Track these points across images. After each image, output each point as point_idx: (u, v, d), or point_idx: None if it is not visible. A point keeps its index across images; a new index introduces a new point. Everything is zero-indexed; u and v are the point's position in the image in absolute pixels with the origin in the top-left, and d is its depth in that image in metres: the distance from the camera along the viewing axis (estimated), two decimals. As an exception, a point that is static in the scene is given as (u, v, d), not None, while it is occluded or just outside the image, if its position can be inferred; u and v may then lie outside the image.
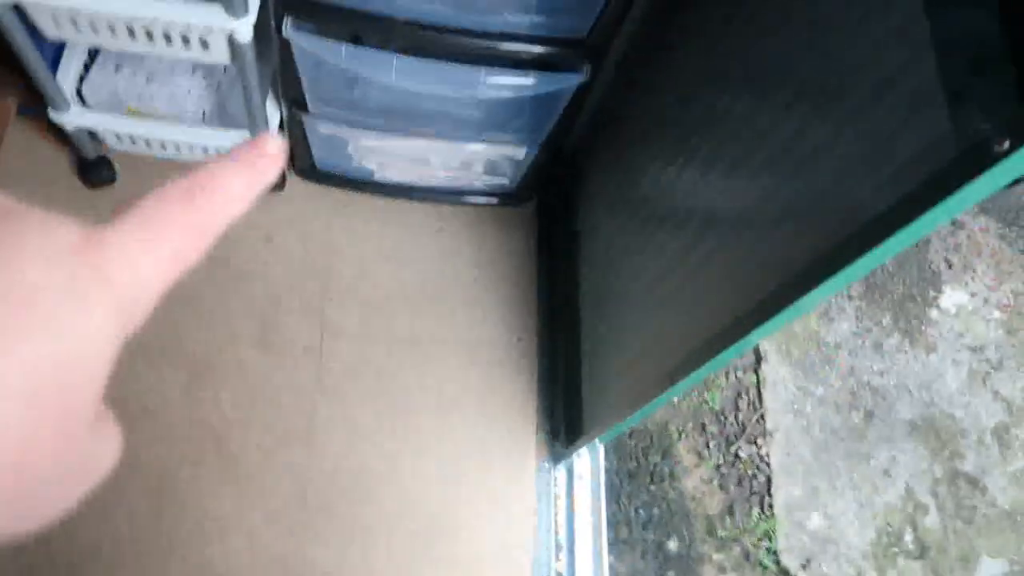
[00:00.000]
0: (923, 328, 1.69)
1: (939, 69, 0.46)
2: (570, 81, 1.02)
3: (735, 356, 0.91)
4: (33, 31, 0.99)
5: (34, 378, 0.17)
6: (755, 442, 1.58)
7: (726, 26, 0.84)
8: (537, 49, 0.98)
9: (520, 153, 1.25)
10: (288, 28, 0.94)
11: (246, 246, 1.32)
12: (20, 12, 0.95)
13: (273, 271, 1.32)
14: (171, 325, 1.23)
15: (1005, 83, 0.41)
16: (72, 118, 1.15)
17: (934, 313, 1.77)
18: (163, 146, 1.25)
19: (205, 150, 1.25)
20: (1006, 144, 0.41)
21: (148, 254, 0.20)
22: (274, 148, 0.24)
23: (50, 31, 0.98)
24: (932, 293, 1.78)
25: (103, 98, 1.17)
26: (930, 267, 1.81)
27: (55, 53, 1.14)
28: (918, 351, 1.64)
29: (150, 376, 1.19)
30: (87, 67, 1.18)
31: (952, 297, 1.74)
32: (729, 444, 1.58)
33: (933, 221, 0.45)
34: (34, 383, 0.17)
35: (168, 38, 0.97)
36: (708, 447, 1.58)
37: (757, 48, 0.77)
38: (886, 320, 1.70)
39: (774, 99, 0.71)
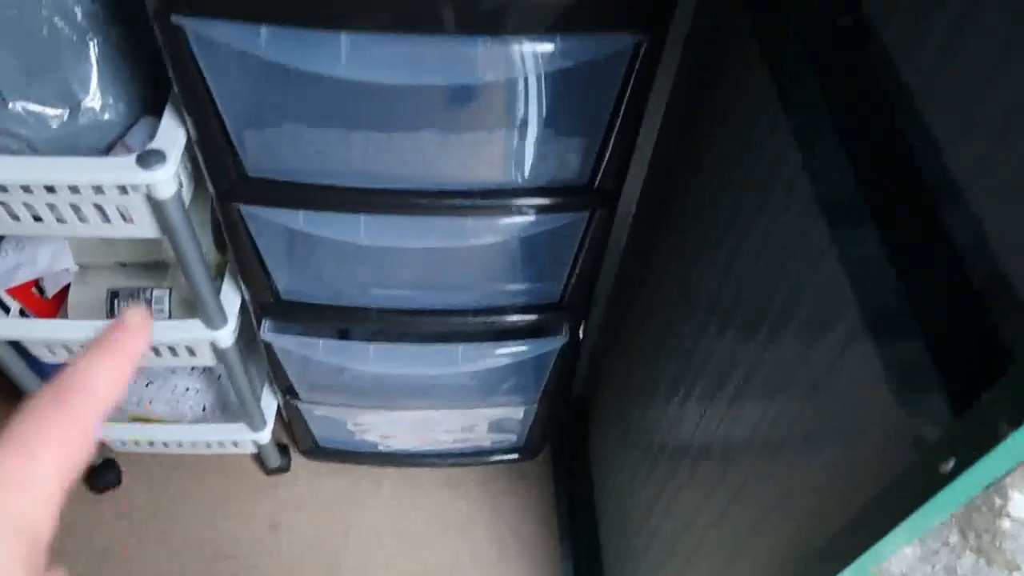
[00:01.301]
0: (998, 544, 1.52)
1: (885, 375, 0.42)
2: (551, 345, 1.01)
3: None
4: (32, 360, 1.03)
5: None
6: None
7: (696, 261, 0.84)
8: (514, 319, 0.98)
9: (519, 412, 1.22)
10: (266, 331, 0.96)
11: (251, 537, 1.27)
12: (17, 346, 0.99)
13: (280, 562, 1.26)
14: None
15: (937, 394, 0.37)
16: (73, 431, 1.16)
17: (1006, 524, 1.59)
18: (166, 444, 1.25)
19: (208, 445, 1.24)
20: (949, 464, 0.36)
21: (34, 471, 0.20)
22: (135, 320, 0.24)
23: (46, 358, 1.02)
24: (998, 501, 1.62)
25: (105, 407, 1.19)
26: (991, 470, 1.66)
27: (60, 370, 1.18)
28: (998, 573, 1.46)
29: None
30: (92, 377, 1.22)
31: (1022, 503, 1.57)
32: None
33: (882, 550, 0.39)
34: None
35: (156, 350, 1.00)
36: None
37: (727, 287, 0.76)
38: (953, 538, 1.53)
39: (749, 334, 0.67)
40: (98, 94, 0.80)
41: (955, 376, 0.36)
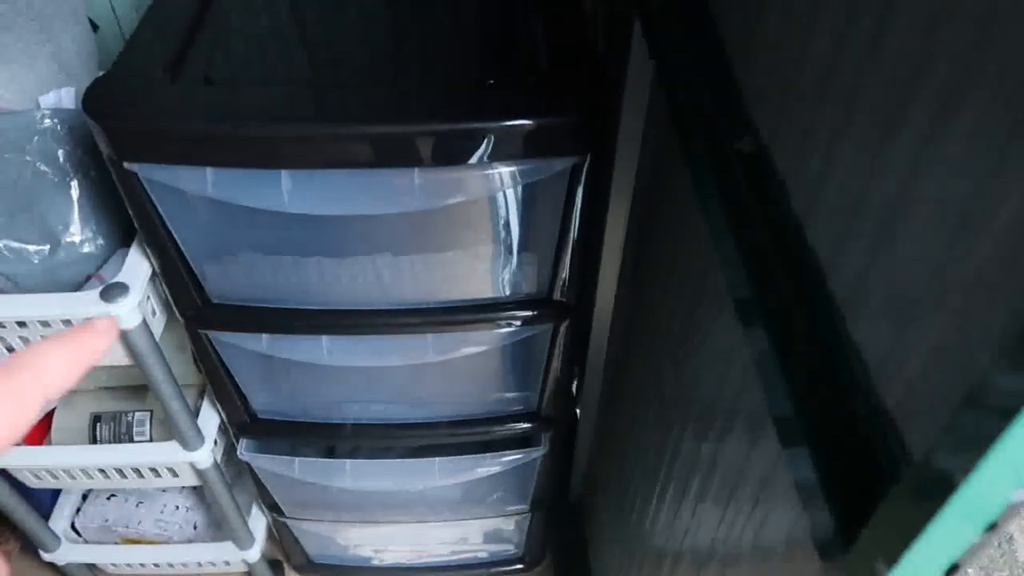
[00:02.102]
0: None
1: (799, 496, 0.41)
2: (531, 456, 0.99)
3: None
4: (17, 484, 1.04)
5: None
6: None
7: (661, 367, 0.83)
8: (490, 430, 0.97)
9: (511, 522, 1.19)
10: (243, 450, 0.96)
11: (242, 661, 1.24)
12: (2, 471, 1.01)
13: None
14: None
15: (832, 527, 0.36)
16: (62, 555, 1.16)
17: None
18: (157, 566, 1.24)
19: (199, 564, 1.23)
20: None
21: None
22: (102, 325, 0.26)
23: (32, 483, 1.03)
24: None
25: (95, 529, 1.19)
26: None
27: (52, 494, 1.19)
28: None
29: None
30: (85, 498, 1.23)
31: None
32: None
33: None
34: None
35: (139, 472, 1.01)
36: None
37: (685, 394, 0.75)
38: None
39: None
40: (78, 230, 0.84)
41: (844, 507, 0.36)
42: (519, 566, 1.34)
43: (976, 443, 0.25)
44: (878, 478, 0.35)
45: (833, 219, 0.40)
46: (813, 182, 0.42)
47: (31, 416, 0.23)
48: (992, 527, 0.29)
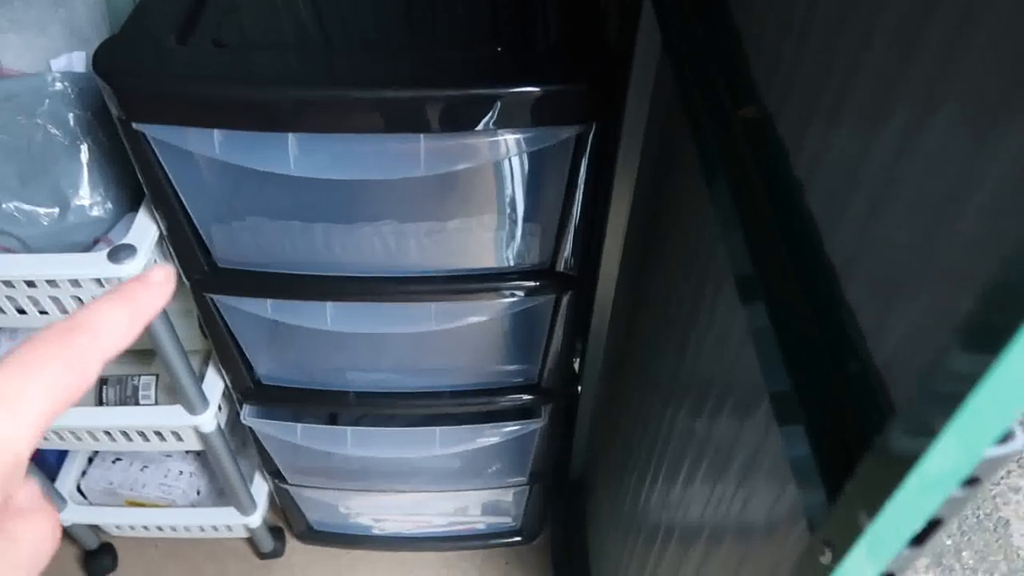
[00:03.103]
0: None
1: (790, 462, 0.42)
2: (530, 428, 1.01)
3: None
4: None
5: None
6: None
7: (659, 343, 0.84)
8: (491, 401, 0.98)
9: (509, 495, 1.21)
10: (246, 416, 0.98)
11: (243, 624, 1.26)
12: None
13: (270, 650, 1.24)
14: None
15: (816, 483, 0.37)
16: (68, 516, 1.18)
17: None
18: (160, 529, 1.26)
19: (202, 529, 1.25)
20: (828, 554, 0.35)
21: (23, 394, 0.21)
22: (160, 276, 0.25)
23: (39, 444, 1.04)
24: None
25: (100, 492, 1.21)
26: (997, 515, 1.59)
27: (59, 456, 1.21)
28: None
29: None
30: (91, 460, 1.24)
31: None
32: None
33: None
34: None
35: (144, 436, 1.02)
36: None
37: (682, 369, 0.76)
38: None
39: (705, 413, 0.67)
40: (87, 193, 0.85)
41: (831, 468, 0.36)
42: (517, 539, 1.36)
43: (953, 394, 0.26)
44: (865, 437, 0.36)
45: (832, 185, 0.41)
46: (814, 148, 0.42)
47: (91, 378, 0.22)
48: (971, 482, 0.30)
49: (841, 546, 0.34)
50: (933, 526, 0.33)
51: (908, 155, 0.34)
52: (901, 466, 0.29)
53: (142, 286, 0.24)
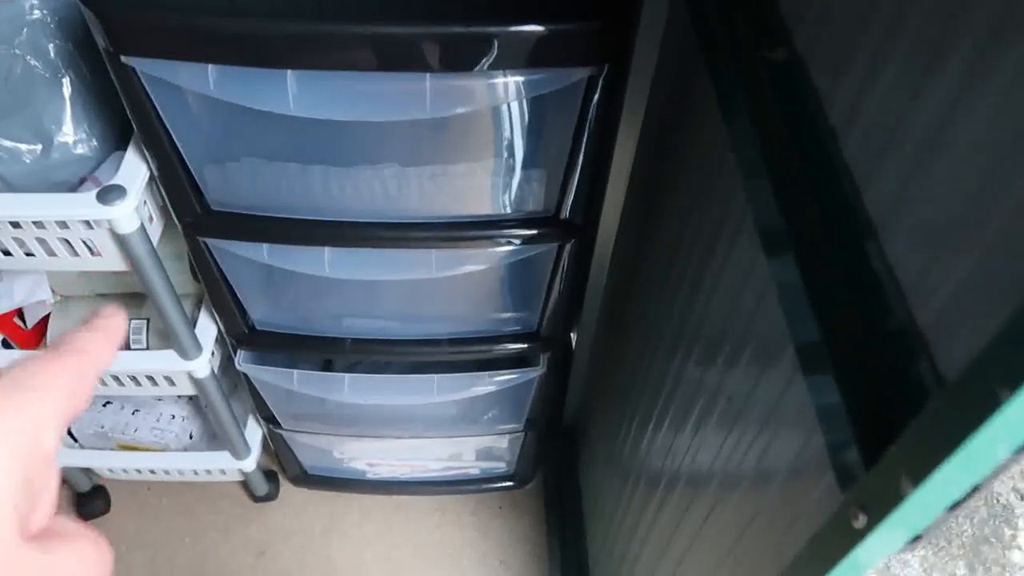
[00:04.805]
0: (1005, 577, 1.48)
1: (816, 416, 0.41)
2: (528, 375, 1.00)
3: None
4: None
5: None
6: None
7: (665, 292, 0.83)
8: (489, 349, 0.97)
9: (504, 441, 1.21)
10: (241, 361, 0.96)
11: (239, 565, 1.27)
12: None
13: (265, 590, 1.25)
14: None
15: (852, 446, 0.36)
16: (59, 459, 1.17)
17: (1016, 556, 1.55)
18: (153, 472, 1.25)
19: (195, 472, 1.25)
20: (861, 519, 0.35)
21: (47, 388, 0.23)
22: (109, 310, 0.28)
23: (29, 388, 1.02)
24: (1008, 531, 1.58)
25: (91, 435, 1.20)
26: (998, 501, 1.62)
27: (48, 398, 1.19)
28: (1004, 607, 1.42)
29: None
30: (81, 405, 1.23)
31: (1030, 535, 1.53)
32: None
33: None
34: None
35: (136, 379, 1.00)
36: None
37: (691, 318, 0.75)
38: (960, 571, 1.49)
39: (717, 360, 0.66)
40: (71, 130, 0.81)
41: (866, 428, 0.35)
42: (510, 483, 1.37)
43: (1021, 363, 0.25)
44: (905, 398, 0.35)
45: (872, 133, 0.39)
46: (852, 94, 0.40)
47: (89, 390, 0.25)
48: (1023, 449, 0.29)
49: (878, 512, 0.33)
50: (973, 492, 0.32)
51: (966, 101, 0.32)
52: (956, 435, 0.27)
53: (101, 318, 0.27)
